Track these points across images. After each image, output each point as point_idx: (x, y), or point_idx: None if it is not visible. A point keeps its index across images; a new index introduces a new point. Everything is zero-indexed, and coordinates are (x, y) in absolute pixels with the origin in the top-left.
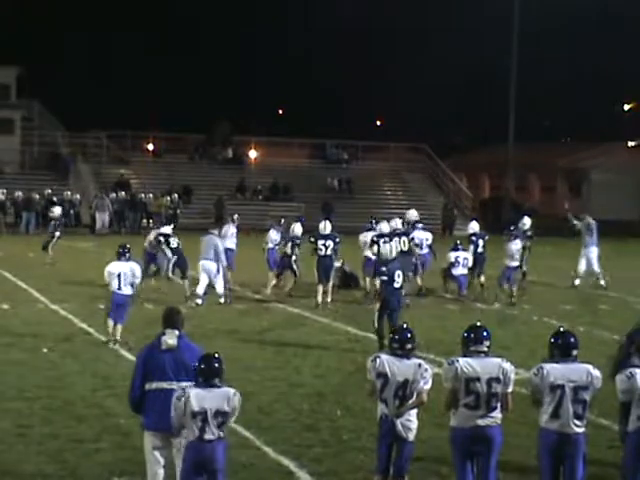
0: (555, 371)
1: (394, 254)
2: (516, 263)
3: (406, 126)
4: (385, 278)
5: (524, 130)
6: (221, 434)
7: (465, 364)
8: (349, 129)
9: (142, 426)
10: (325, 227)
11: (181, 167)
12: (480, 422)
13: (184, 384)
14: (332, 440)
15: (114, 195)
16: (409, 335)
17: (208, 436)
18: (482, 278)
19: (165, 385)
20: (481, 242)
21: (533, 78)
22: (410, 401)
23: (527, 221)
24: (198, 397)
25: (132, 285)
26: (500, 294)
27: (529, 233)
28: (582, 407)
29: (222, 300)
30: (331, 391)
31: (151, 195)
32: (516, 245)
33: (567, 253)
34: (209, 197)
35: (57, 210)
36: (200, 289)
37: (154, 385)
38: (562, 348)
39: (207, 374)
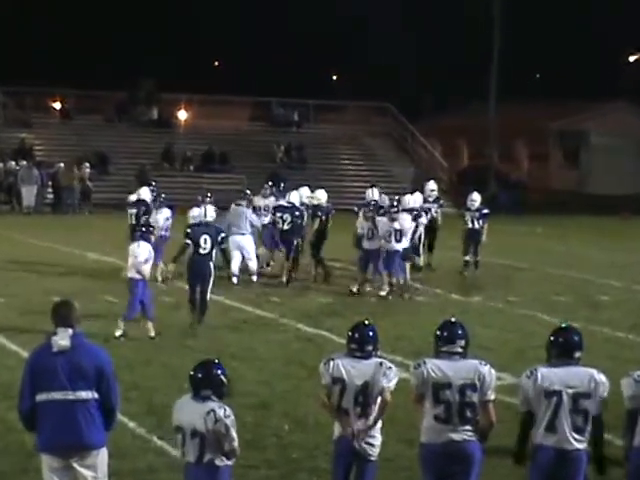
0: (551, 375)
1: None
2: (399, 245)
3: (367, 81)
4: None
5: (510, 86)
6: (204, 458)
7: (433, 367)
8: (299, 85)
9: (35, 446)
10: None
11: (95, 130)
12: (454, 436)
13: (82, 394)
14: (279, 460)
15: (13, 164)
16: (370, 334)
17: (187, 458)
18: (423, 259)
19: (59, 395)
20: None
21: (521, 23)
22: (373, 415)
23: (476, 197)
24: (180, 410)
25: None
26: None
27: (484, 211)
28: (583, 419)
29: (254, 278)
30: (278, 401)
31: (62, 164)
32: (404, 220)
33: (560, 234)
34: (129, 167)
35: None
36: (235, 267)
37: (45, 396)
38: (562, 348)
39: (194, 383)
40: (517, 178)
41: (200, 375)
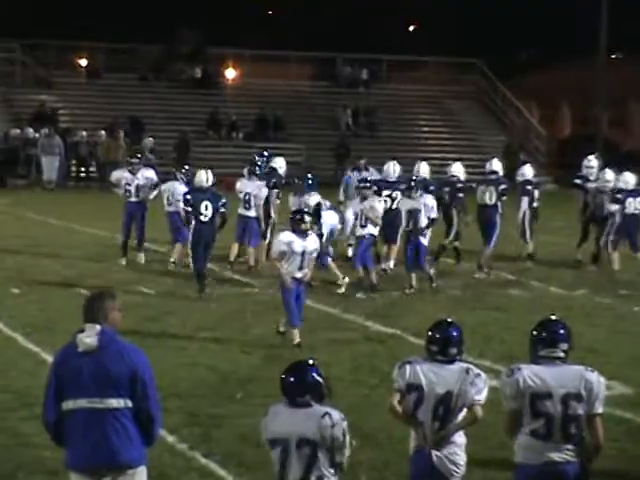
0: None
1: None
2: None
3: (451, 34)
4: None
5: (622, 38)
6: (312, 476)
7: (531, 375)
8: (369, 38)
9: (64, 463)
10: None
11: (128, 92)
12: (555, 456)
13: (111, 402)
14: None
15: (31, 132)
16: (454, 334)
17: (292, 474)
18: (530, 246)
19: (86, 404)
20: (537, 193)
21: None
22: (456, 421)
23: (528, 171)
24: (278, 419)
25: None
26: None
27: (536, 189)
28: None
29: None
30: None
31: (103, 132)
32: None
33: None
34: (167, 135)
35: None
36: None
37: (71, 404)
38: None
39: (291, 389)
40: (630, 148)
41: (293, 380)
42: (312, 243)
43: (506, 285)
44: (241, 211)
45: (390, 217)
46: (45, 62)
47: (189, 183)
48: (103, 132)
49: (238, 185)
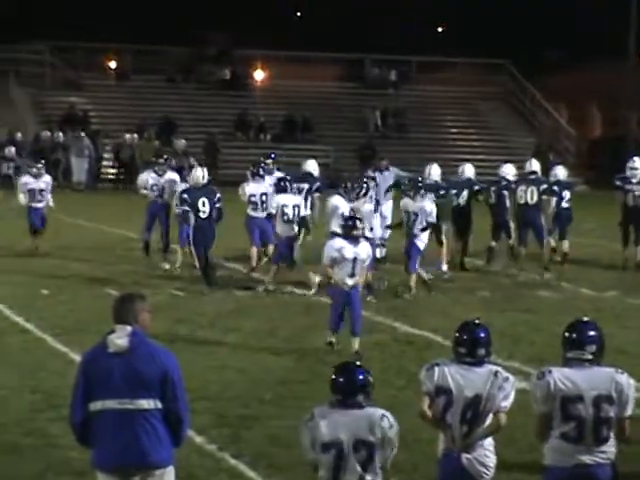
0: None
1: None
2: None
3: (480, 34)
4: None
5: None
6: (368, 477)
7: (562, 377)
8: (398, 39)
9: (92, 463)
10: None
11: (156, 94)
12: (586, 459)
13: (142, 403)
14: None
15: (59, 134)
16: (482, 335)
17: (348, 477)
18: (566, 245)
19: (115, 404)
20: (567, 194)
21: None
22: (484, 426)
23: (561, 171)
24: (330, 422)
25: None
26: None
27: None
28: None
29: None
30: None
31: (135, 135)
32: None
33: None
34: (195, 137)
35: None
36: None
37: (100, 404)
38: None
39: (344, 390)
40: None
41: (344, 380)
42: (364, 250)
43: (536, 286)
44: (253, 213)
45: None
46: (74, 64)
47: (160, 175)
48: (136, 135)
49: (246, 189)
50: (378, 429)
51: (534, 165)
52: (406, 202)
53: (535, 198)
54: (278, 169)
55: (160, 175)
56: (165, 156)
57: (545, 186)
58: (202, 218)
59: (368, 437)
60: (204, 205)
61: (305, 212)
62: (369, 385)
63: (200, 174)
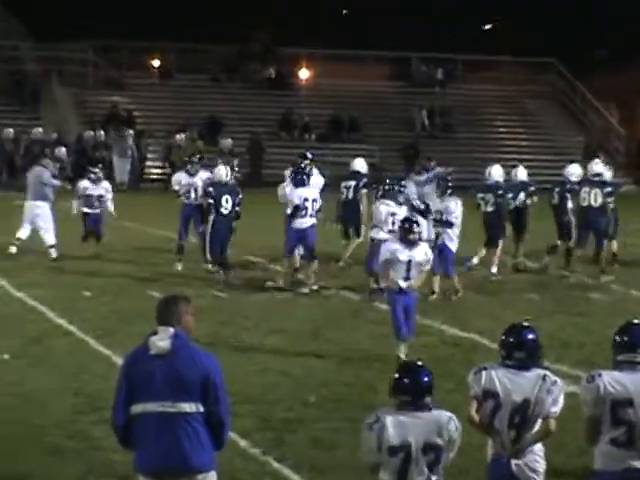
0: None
1: None
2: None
3: (528, 33)
4: None
5: None
6: (433, 479)
7: (612, 381)
8: (445, 37)
9: (134, 466)
10: None
11: (200, 93)
12: (637, 464)
13: (184, 406)
14: None
15: (103, 134)
16: (530, 337)
17: None
18: (615, 245)
19: (157, 407)
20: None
21: None
22: (532, 431)
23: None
24: (398, 425)
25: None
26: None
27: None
28: None
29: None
30: None
31: (183, 136)
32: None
33: None
34: (240, 137)
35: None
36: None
37: (141, 407)
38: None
39: (412, 391)
40: None
41: (411, 382)
42: (421, 253)
43: (586, 289)
44: (296, 225)
45: (490, 220)
46: (117, 63)
47: (192, 175)
48: (183, 135)
49: (287, 191)
50: (446, 432)
51: (599, 167)
52: (434, 202)
53: (599, 200)
54: (318, 169)
55: (192, 175)
56: (198, 155)
57: (609, 189)
58: (223, 214)
59: (437, 440)
60: (227, 202)
61: (321, 204)
62: (432, 386)
63: (223, 172)
